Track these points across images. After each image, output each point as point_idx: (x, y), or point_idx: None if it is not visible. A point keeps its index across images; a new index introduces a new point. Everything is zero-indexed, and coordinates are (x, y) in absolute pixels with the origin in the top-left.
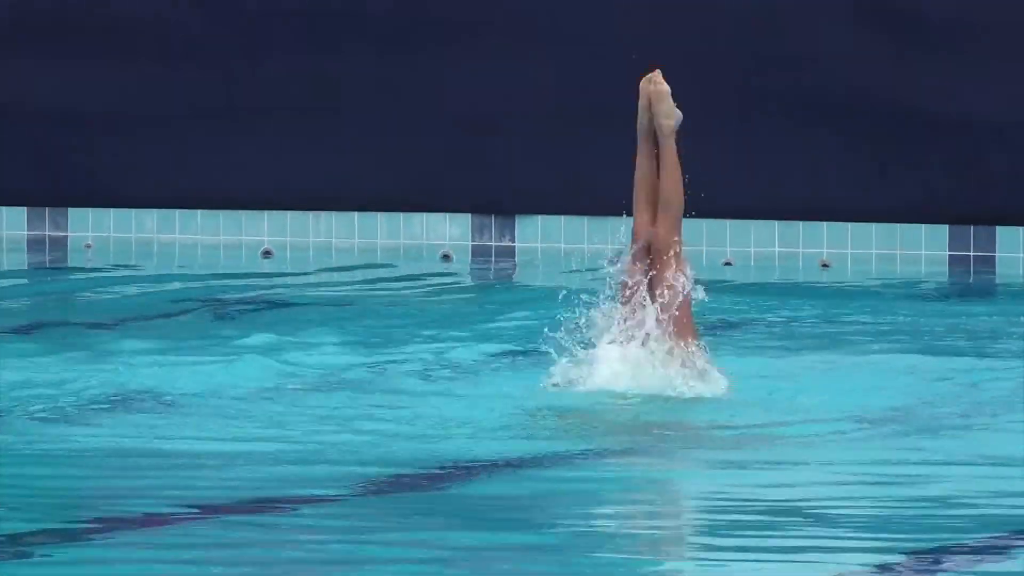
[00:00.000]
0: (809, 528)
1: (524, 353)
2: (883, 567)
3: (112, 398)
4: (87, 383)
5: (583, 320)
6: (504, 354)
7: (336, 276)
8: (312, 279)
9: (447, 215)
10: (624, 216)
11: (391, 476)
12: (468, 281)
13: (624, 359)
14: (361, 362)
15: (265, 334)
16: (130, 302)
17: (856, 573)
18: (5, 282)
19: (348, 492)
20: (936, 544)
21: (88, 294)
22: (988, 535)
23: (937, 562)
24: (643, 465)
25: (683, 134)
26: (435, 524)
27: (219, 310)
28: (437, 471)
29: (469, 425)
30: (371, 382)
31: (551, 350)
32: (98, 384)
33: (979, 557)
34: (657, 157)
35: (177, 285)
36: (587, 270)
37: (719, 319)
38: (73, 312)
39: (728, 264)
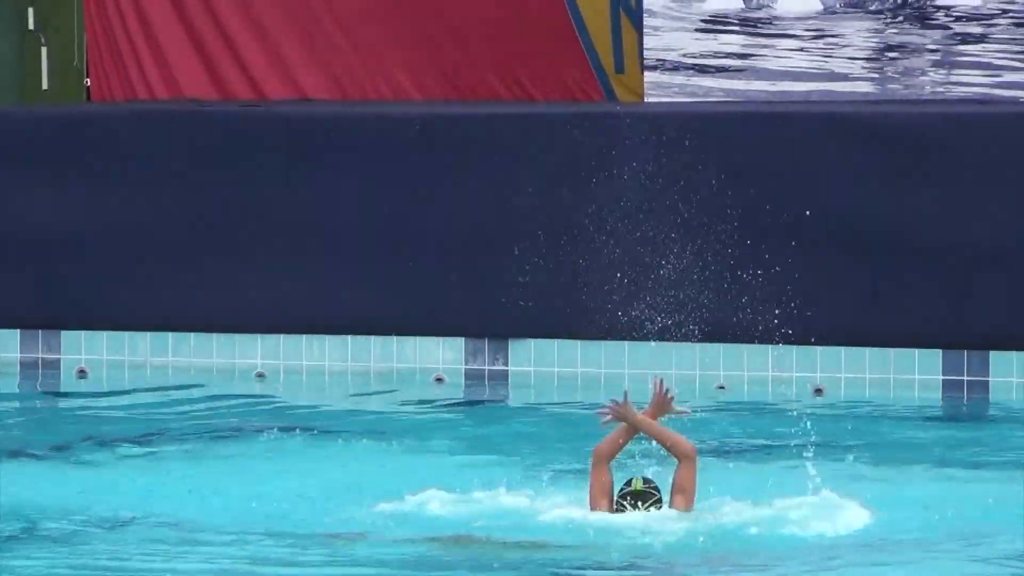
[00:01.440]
0: None
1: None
2: None
3: (91, 521)
4: (71, 504)
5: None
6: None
7: (327, 400)
8: (303, 403)
9: (440, 339)
10: (619, 341)
11: None
12: (458, 406)
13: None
14: (314, 490)
15: (245, 459)
16: (122, 426)
17: None
18: None
19: None
20: None
21: (79, 417)
22: None
23: None
24: None
25: (668, 254)
26: None
27: (208, 433)
28: None
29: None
30: (310, 516)
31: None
32: (81, 506)
33: None
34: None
35: (169, 408)
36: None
37: (716, 442)
38: (62, 435)
39: (721, 388)
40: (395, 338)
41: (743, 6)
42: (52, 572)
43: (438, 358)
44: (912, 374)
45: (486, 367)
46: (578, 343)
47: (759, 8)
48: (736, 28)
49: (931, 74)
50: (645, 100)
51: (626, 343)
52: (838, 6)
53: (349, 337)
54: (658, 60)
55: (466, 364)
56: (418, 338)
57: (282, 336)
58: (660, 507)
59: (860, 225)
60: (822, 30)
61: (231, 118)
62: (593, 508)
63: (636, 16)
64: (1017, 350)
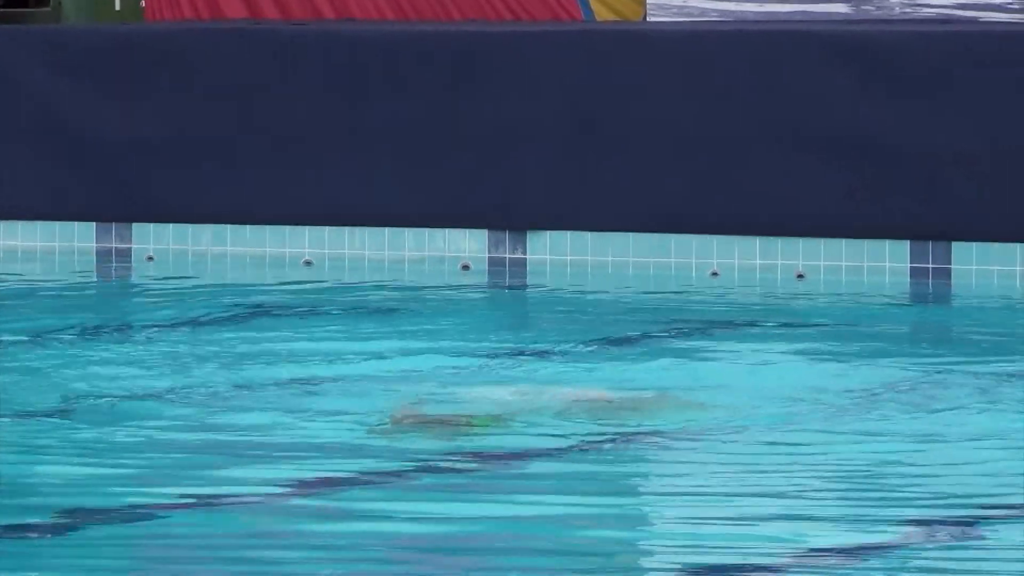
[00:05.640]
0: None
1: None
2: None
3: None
4: (135, 378)
5: None
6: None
7: (367, 283)
8: (346, 286)
9: (466, 230)
10: (624, 232)
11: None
12: (480, 289)
13: None
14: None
15: (293, 338)
16: (184, 306)
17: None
18: (75, 287)
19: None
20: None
21: (147, 299)
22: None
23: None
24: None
25: (679, 158)
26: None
27: (261, 313)
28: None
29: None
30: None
31: None
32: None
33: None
34: None
35: (228, 292)
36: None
37: (709, 321)
38: (131, 315)
39: (715, 274)
40: (427, 230)
41: None
42: (135, 438)
43: (464, 248)
44: (883, 262)
45: (507, 255)
46: (588, 234)
47: None
48: None
49: None
50: (647, 19)
51: (630, 235)
52: None
53: (386, 229)
54: None
55: (489, 253)
56: (447, 230)
57: (327, 228)
58: None
59: (836, 131)
60: None
61: (275, 36)
62: None
63: None
64: (976, 240)
